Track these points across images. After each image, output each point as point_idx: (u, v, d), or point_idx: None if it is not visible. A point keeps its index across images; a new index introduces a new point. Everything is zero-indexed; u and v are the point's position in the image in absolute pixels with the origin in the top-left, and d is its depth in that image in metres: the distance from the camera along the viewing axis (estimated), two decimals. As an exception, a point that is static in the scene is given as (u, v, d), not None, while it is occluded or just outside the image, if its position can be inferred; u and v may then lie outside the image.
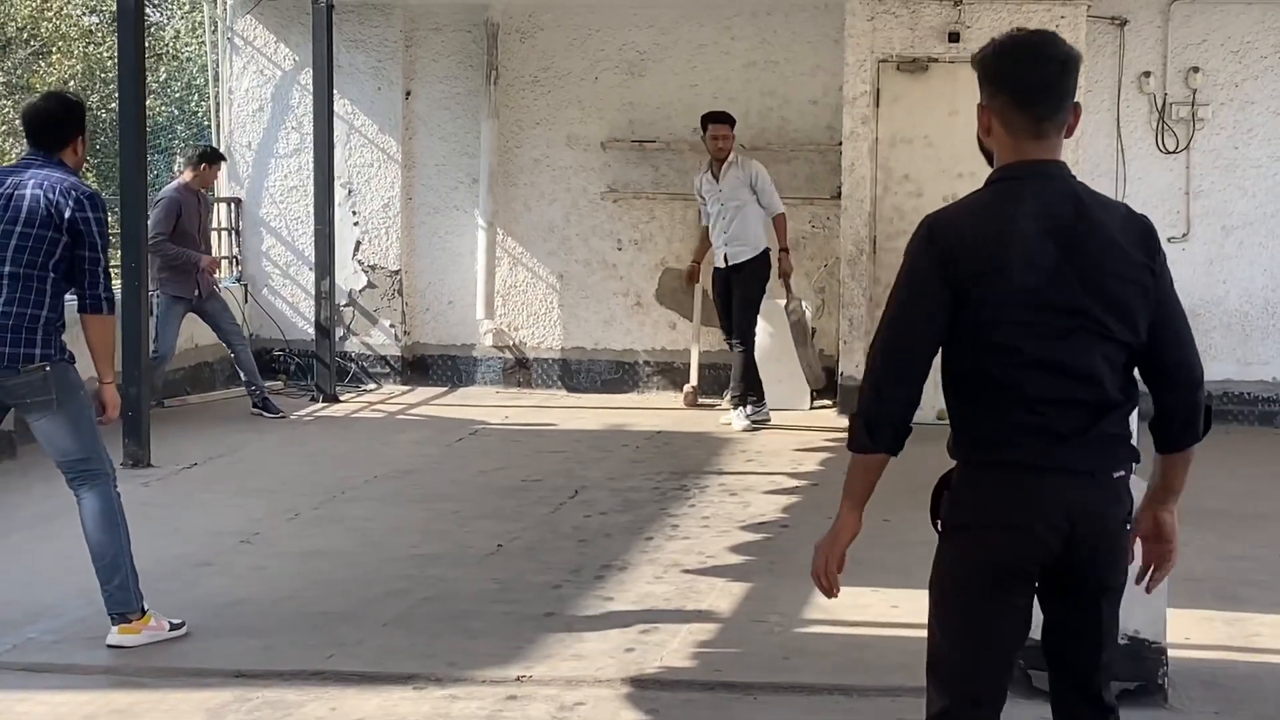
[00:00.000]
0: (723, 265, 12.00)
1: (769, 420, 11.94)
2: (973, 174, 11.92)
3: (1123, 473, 3.69)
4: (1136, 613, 5.69)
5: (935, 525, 3.81)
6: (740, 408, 11.89)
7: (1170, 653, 5.79)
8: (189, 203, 11.90)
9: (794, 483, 9.91)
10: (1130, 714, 5.57)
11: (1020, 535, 3.62)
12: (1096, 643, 3.81)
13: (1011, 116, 3.68)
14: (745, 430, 11.73)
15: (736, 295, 11.95)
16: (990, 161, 3.80)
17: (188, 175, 12.05)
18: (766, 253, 11.97)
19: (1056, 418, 3.58)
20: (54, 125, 6.44)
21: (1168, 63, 12.52)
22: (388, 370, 13.92)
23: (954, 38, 12.03)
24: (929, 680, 3.84)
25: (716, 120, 12.02)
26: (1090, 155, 12.39)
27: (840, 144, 12.54)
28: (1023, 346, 3.58)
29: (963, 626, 3.74)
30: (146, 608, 6.38)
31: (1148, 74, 12.59)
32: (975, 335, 3.60)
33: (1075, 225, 3.61)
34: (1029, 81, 3.67)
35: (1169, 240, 12.41)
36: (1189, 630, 6.02)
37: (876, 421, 3.73)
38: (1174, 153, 12.55)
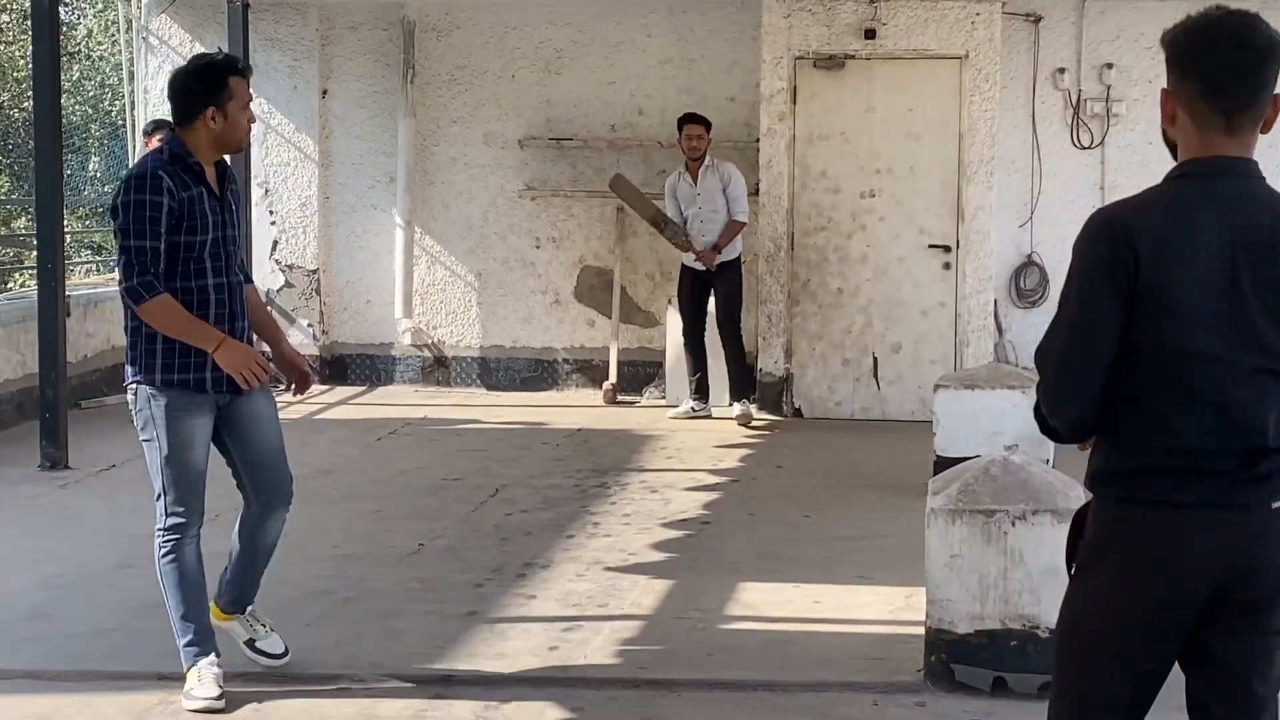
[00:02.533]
0: (701, 268, 11.94)
1: (709, 417, 11.98)
2: (890, 170, 12.13)
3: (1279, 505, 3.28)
4: (1056, 605, 5.71)
5: (1070, 566, 3.45)
6: (743, 401, 11.87)
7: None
8: None
9: (715, 479, 9.91)
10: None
11: (1166, 586, 3.25)
12: (1249, 697, 3.35)
13: (1199, 106, 3.29)
14: (742, 423, 11.75)
15: (720, 296, 11.91)
16: (1174, 154, 3.41)
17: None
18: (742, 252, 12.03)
19: (1211, 459, 3.22)
20: None
21: (1082, 59, 12.65)
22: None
23: (870, 34, 12.08)
24: None
25: (691, 121, 11.94)
26: (1006, 151, 12.49)
27: (758, 141, 12.57)
28: (1188, 380, 3.22)
29: (1085, 690, 3.36)
30: (189, 667, 5.72)
31: (1062, 70, 12.71)
32: (1136, 358, 3.24)
33: (1268, 237, 3.23)
34: (1223, 69, 3.26)
35: (1082, 236, 12.62)
36: (1108, 621, 6.04)
37: (1059, 429, 3.38)
38: (1089, 148, 12.67)
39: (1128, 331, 3.22)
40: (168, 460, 5.67)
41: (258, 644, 6.04)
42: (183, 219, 5.47)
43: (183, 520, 5.76)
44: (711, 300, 11.99)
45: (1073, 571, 3.42)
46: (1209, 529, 3.21)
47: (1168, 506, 3.23)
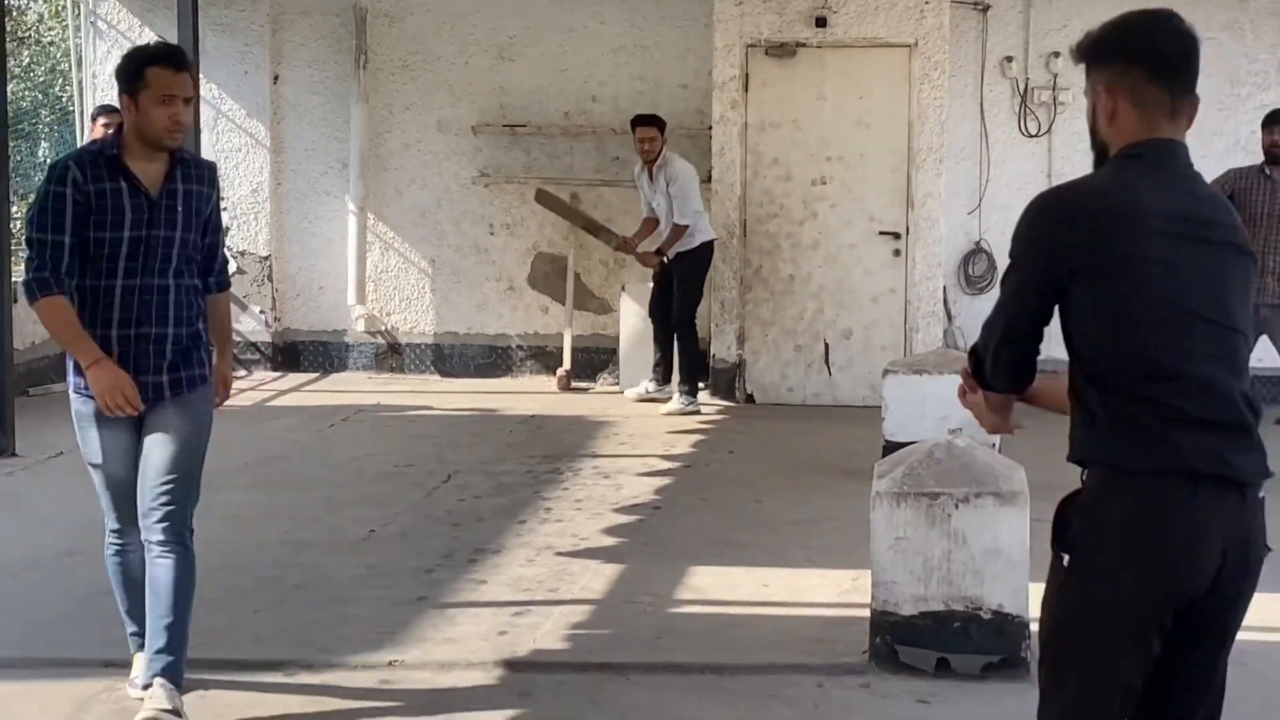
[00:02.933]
0: (666, 261, 11.99)
1: (697, 412, 11.84)
2: (840, 157, 12.17)
3: (1265, 493, 3.33)
4: (1000, 587, 5.80)
5: (1062, 559, 3.34)
6: (683, 394, 11.85)
7: (1033, 626, 5.87)
8: None
9: (666, 465, 9.95)
10: (994, 687, 5.72)
11: (1183, 571, 3.21)
12: (1210, 691, 3.39)
13: (1147, 92, 3.32)
14: (676, 413, 11.72)
15: (677, 284, 11.92)
16: (1100, 157, 3.44)
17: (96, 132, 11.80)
18: (706, 244, 11.98)
19: (1216, 406, 3.22)
20: None
21: (1029, 48, 12.73)
22: (258, 357, 13.77)
23: (821, 23, 12.12)
24: None
25: (643, 123, 11.96)
26: (955, 139, 12.56)
27: (710, 128, 12.60)
28: (1161, 357, 3.22)
29: (1103, 683, 3.29)
30: (134, 652, 5.59)
31: (1010, 59, 12.78)
32: (1107, 341, 3.24)
33: (1209, 208, 3.33)
34: (1168, 49, 3.34)
35: (1032, 222, 12.69)
36: (1051, 603, 6.10)
37: (993, 380, 3.48)
38: (1036, 136, 12.75)
39: (1094, 316, 3.23)
40: (90, 466, 5.46)
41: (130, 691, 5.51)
42: (91, 213, 5.15)
43: (117, 527, 5.50)
44: None
45: (1068, 560, 3.31)
46: (1216, 508, 3.20)
47: (1183, 482, 3.18)
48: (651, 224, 12.20)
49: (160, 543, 5.25)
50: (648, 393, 12.14)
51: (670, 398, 11.96)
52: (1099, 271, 3.24)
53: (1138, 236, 3.22)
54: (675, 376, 12.00)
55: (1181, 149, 3.37)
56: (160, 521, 5.25)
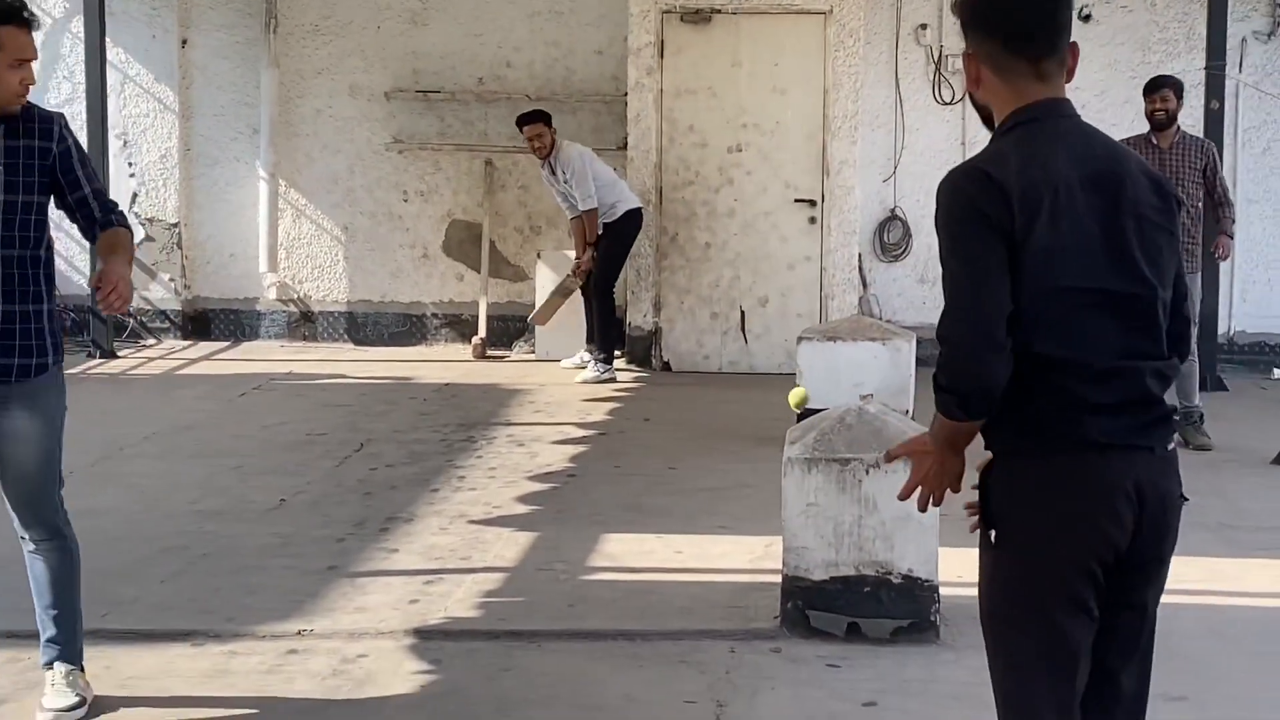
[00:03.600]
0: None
1: (613, 380, 11.81)
2: (756, 124, 12.17)
3: (1174, 445, 3.37)
4: (910, 551, 5.84)
5: (989, 534, 3.35)
6: (598, 363, 11.81)
7: (943, 590, 5.93)
8: None
9: (581, 433, 9.94)
10: (904, 650, 5.76)
11: (1102, 526, 3.23)
12: (1138, 648, 3.41)
13: (1004, 61, 3.33)
14: (591, 382, 11.68)
15: (600, 254, 11.86)
16: (985, 120, 3.43)
17: None
18: (629, 214, 11.89)
19: (1122, 388, 3.24)
20: None
21: (944, 15, 12.73)
22: (168, 325, 13.62)
23: (736, -12, 12.12)
24: None
25: (527, 122, 11.86)
26: (869, 106, 12.59)
27: (625, 95, 12.56)
28: (1079, 317, 3.22)
29: (1053, 648, 3.28)
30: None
31: (924, 26, 12.81)
32: (1029, 302, 3.20)
33: (1114, 170, 3.30)
34: (1022, 21, 3.32)
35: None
36: (961, 568, 6.13)
37: (974, 394, 3.24)
38: (950, 104, 12.79)
39: (1016, 280, 3.19)
40: None
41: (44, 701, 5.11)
42: None
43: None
44: None
45: (996, 535, 3.32)
46: (1127, 467, 3.23)
47: (1090, 449, 3.21)
48: (577, 225, 12.03)
49: (35, 538, 5.07)
50: (583, 364, 12.07)
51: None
52: (1010, 244, 3.21)
53: (1038, 217, 3.19)
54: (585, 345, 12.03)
55: (1060, 108, 3.34)
56: (28, 523, 5.05)
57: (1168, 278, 3.34)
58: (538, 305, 12.54)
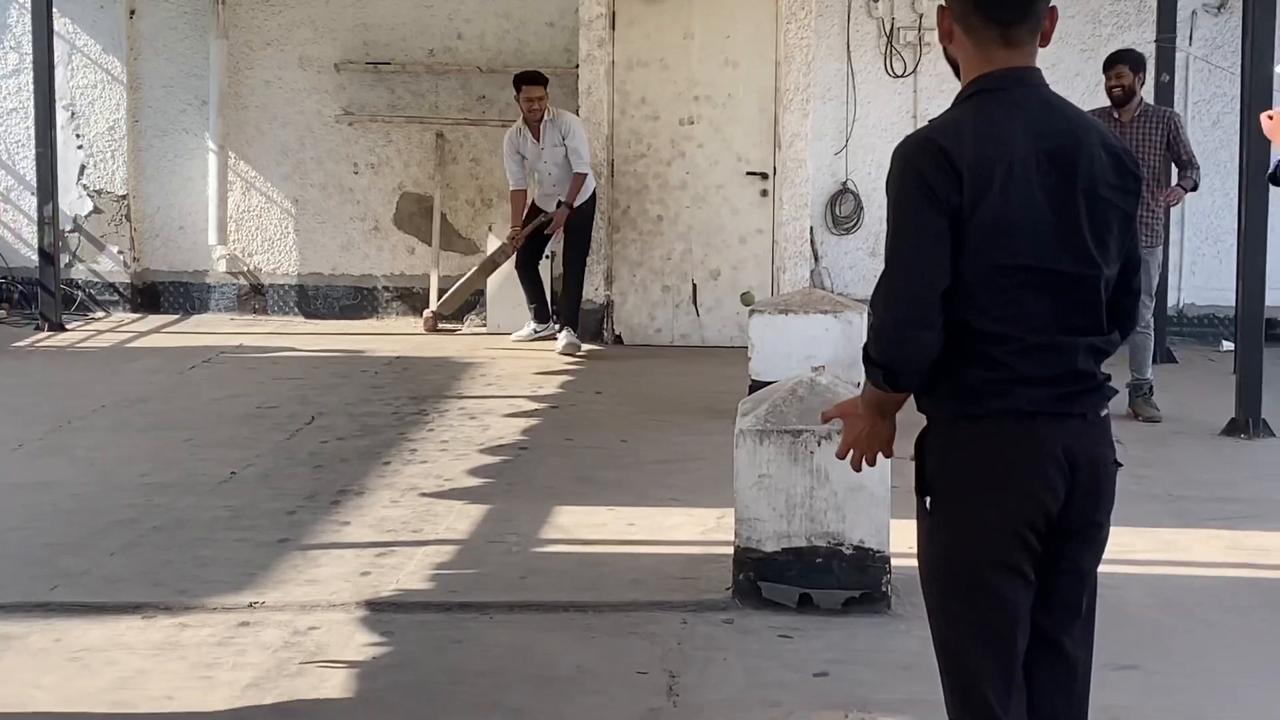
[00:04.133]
0: (553, 207, 11.86)
1: (552, 337, 11.93)
2: (708, 97, 12.17)
3: (1107, 411, 3.38)
4: (861, 522, 5.86)
5: (924, 500, 3.35)
6: (569, 330, 11.79)
7: (893, 561, 5.97)
8: None
9: (533, 405, 9.93)
10: (855, 621, 5.80)
11: (1032, 489, 3.24)
12: (1080, 614, 3.42)
13: (974, 21, 3.28)
14: (563, 353, 11.67)
15: (573, 233, 11.80)
16: (956, 72, 3.40)
17: None
18: (594, 192, 11.92)
19: (1054, 362, 3.25)
20: None
21: (895, -13, 12.77)
22: (117, 298, 13.51)
23: (688, -39, 12.09)
24: (955, 698, 3.36)
25: (530, 82, 11.69)
26: (821, 79, 12.60)
27: (577, 67, 12.53)
28: (1017, 294, 3.22)
29: (989, 613, 3.28)
30: None
31: (876, -1, 12.83)
32: (968, 279, 3.20)
33: (1071, 145, 3.27)
34: None
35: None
36: (912, 540, 6.16)
37: (901, 369, 3.26)
38: (902, 76, 12.81)
39: (958, 254, 3.18)
40: None
41: None
42: None
43: None
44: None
45: (930, 502, 3.33)
46: (1056, 433, 3.23)
47: (1019, 416, 3.22)
48: (520, 196, 11.95)
49: None
50: (535, 334, 12.08)
51: (554, 335, 11.96)
52: (955, 220, 3.21)
53: (987, 192, 3.17)
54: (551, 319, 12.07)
55: (1026, 77, 3.30)
56: None
57: (1113, 256, 3.32)
58: (448, 292, 12.47)
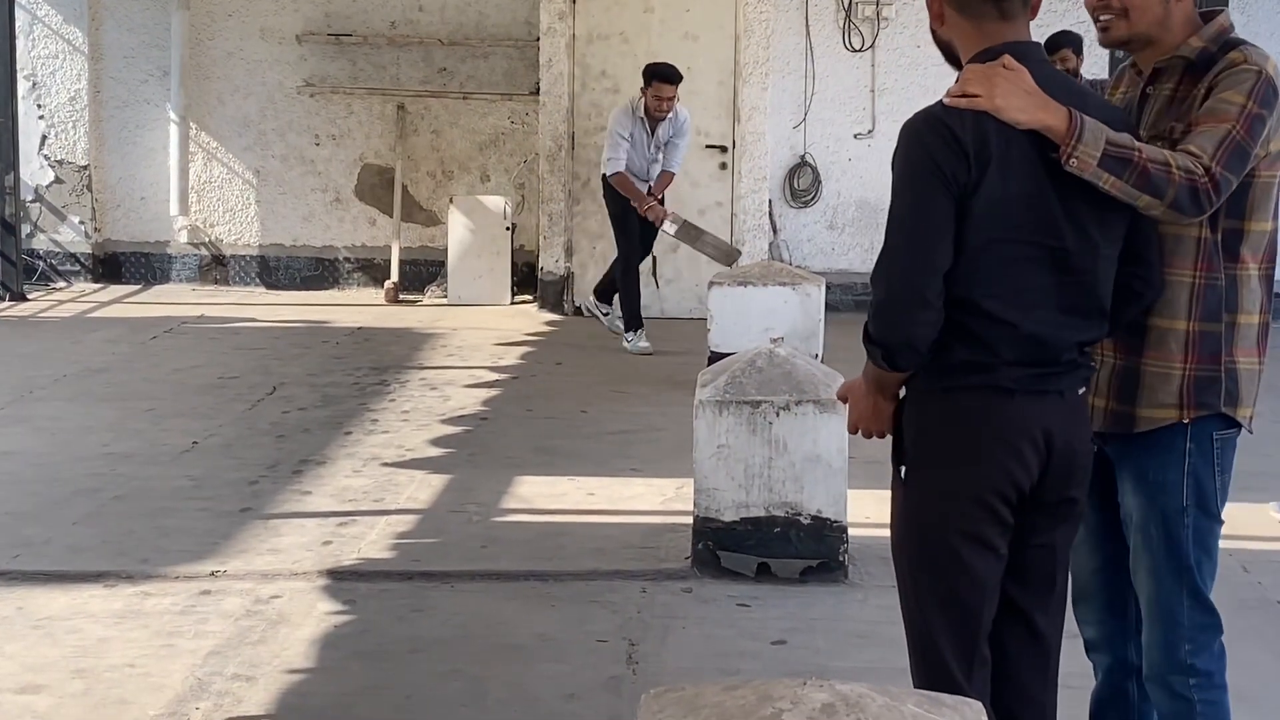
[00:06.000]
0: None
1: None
2: (667, 70, 12.08)
3: (1085, 389, 3.38)
4: (819, 493, 5.88)
5: (899, 470, 3.36)
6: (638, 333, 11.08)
7: (850, 531, 5.99)
8: None
9: (494, 376, 9.91)
10: (812, 590, 5.81)
11: (1003, 462, 3.23)
12: (1052, 590, 3.42)
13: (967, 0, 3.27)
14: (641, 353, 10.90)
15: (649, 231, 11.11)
16: (946, 55, 3.37)
17: None
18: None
19: (1042, 341, 3.23)
20: None
21: (854, -36, 12.75)
22: (78, 268, 13.41)
23: (649, -65, 12.03)
24: (920, 668, 3.35)
25: (664, 79, 10.74)
26: (780, 53, 12.57)
27: (538, 40, 12.48)
28: (1014, 270, 3.20)
29: (956, 583, 3.28)
30: None
31: (835, -27, 12.81)
32: (967, 255, 3.17)
33: None
34: None
35: (855, 136, 12.82)
36: (868, 510, 6.21)
37: (900, 349, 3.23)
38: (860, 51, 12.79)
39: (959, 230, 3.16)
40: None
41: None
42: None
43: None
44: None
45: (904, 471, 3.34)
46: (1036, 413, 3.23)
47: (999, 393, 3.21)
48: (627, 177, 10.92)
49: None
50: (648, 350, 11.03)
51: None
52: (960, 199, 3.16)
53: (988, 169, 3.14)
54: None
55: (1028, 51, 3.26)
56: None
57: (1116, 233, 3.29)
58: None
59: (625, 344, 10.95)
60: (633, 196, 10.89)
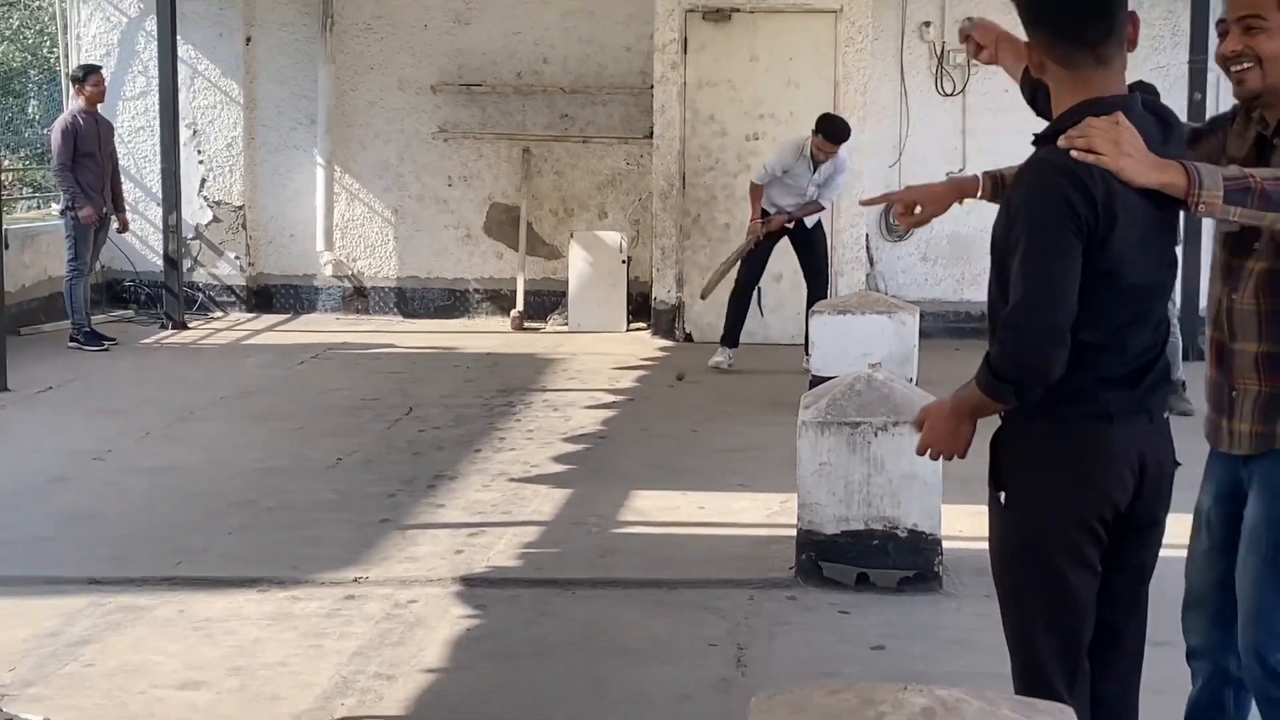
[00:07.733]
0: (790, 226, 11.00)
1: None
2: (772, 115, 12.13)
3: (1168, 414, 3.31)
4: (914, 508, 5.82)
5: (999, 495, 3.27)
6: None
7: (945, 543, 5.93)
8: (85, 125, 11.51)
9: (612, 398, 9.93)
10: (909, 598, 5.76)
11: (1107, 487, 3.17)
12: (1139, 606, 3.37)
13: (1063, 50, 3.13)
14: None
15: (810, 254, 11.11)
16: (1033, 102, 3.31)
17: (78, 99, 11.66)
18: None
19: (1139, 369, 3.19)
20: None
21: (946, 12, 12.66)
22: (234, 299, 13.64)
23: (754, -10, 12.03)
24: (1024, 683, 3.25)
25: (828, 138, 10.55)
26: (877, 98, 12.52)
27: (652, 88, 12.52)
28: (1125, 310, 3.15)
29: (1061, 604, 3.21)
30: None
31: (928, 23, 12.73)
32: (1088, 295, 3.09)
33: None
34: (1071, 14, 3.12)
35: (946, 175, 12.69)
36: (961, 524, 6.15)
37: (1033, 385, 3.13)
38: (952, 95, 12.72)
39: (1084, 275, 3.09)
40: None
41: None
42: None
43: None
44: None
45: (1005, 496, 3.25)
46: (1131, 438, 3.18)
47: (1100, 420, 3.16)
48: (760, 193, 10.91)
49: None
50: (729, 365, 11.10)
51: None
52: (1086, 247, 3.09)
53: (1116, 220, 3.07)
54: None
55: (1129, 105, 3.15)
56: None
57: (1172, 273, 3.31)
58: (706, 279, 11.50)
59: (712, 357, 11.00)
60: (751, 207, 10.93)
